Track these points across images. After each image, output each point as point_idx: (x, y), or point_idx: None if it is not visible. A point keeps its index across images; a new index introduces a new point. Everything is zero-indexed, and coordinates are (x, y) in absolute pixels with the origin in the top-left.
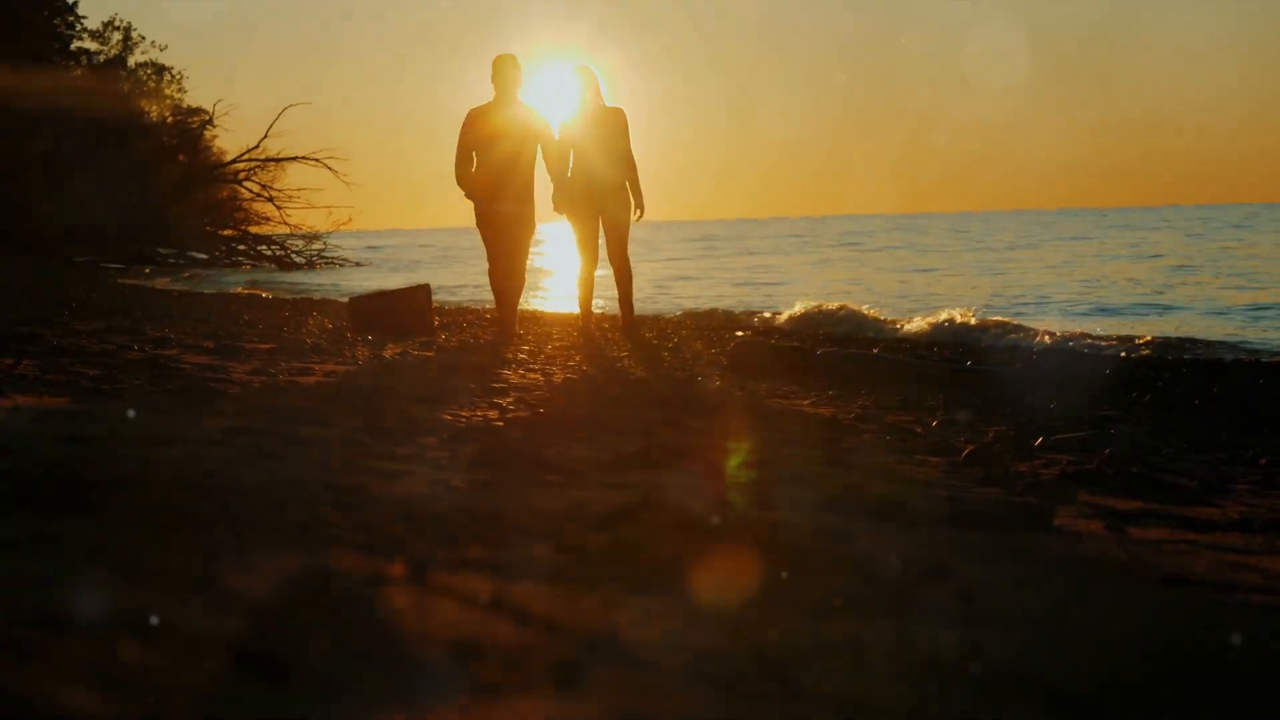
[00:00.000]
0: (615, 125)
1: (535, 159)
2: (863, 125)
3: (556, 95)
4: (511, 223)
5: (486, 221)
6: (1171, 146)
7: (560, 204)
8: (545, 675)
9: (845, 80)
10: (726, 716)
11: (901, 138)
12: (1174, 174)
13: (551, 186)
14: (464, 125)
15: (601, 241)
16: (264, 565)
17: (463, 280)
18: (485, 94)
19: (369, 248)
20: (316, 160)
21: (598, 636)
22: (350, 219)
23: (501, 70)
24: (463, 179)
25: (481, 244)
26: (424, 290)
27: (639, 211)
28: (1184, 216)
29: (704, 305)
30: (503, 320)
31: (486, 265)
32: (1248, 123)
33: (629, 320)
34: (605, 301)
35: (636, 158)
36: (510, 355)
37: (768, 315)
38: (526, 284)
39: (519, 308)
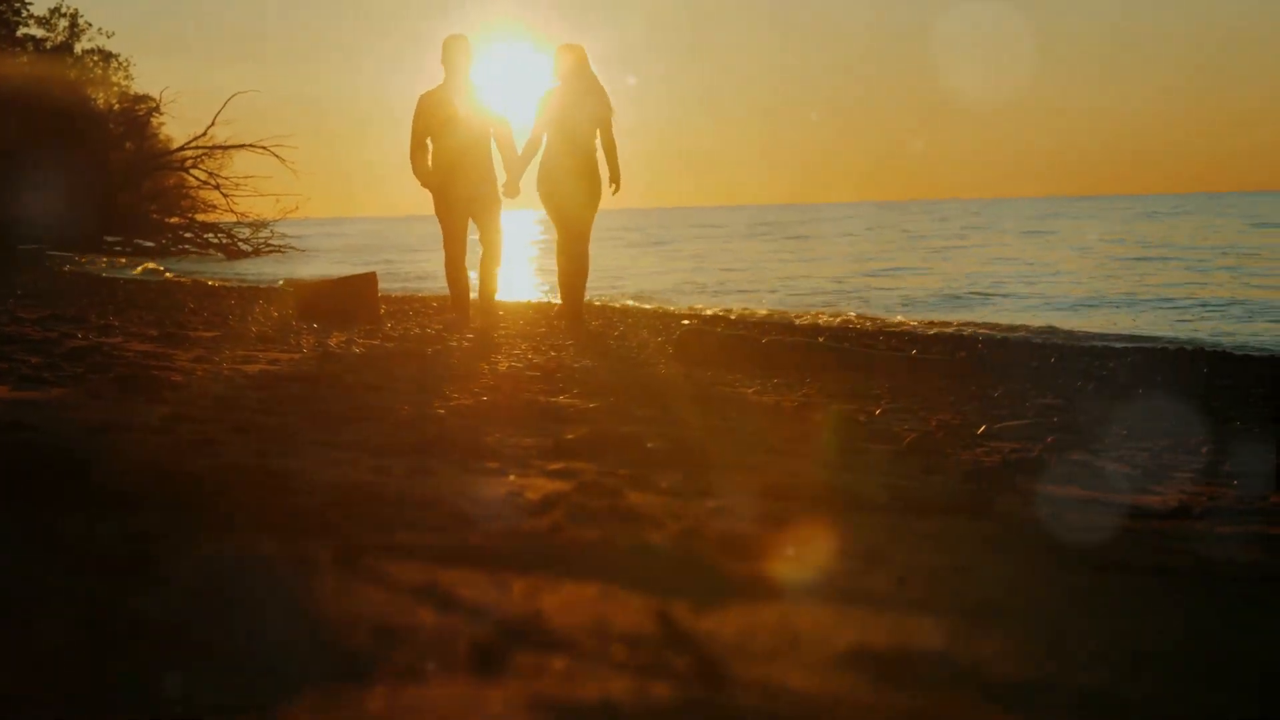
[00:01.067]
0: (599, 106)
1: (489, 140)
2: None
3: (532, 74)
4: (474, 204)
5: (445, 207)
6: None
7: (513, 188)
8: (465, 660)
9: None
10: (645, 702)
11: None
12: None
13: (507, 171)
14: (416, 111)
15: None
16: (197, 551)
17: (411, 268)
18: (434, 78)
19: (320, 235)
20: (264, 148)
21: (522, 621)
22: (298, 207)
23: (451, 51)
24: (418, 167)
25: (439, 231)
26: (370, 278)
27: (614, 186)
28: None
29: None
30: (456, 311)
31: (443, 253)
32: None
33: (573, 310)
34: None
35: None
36: (455, 344)
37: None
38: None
39: (498, 293)
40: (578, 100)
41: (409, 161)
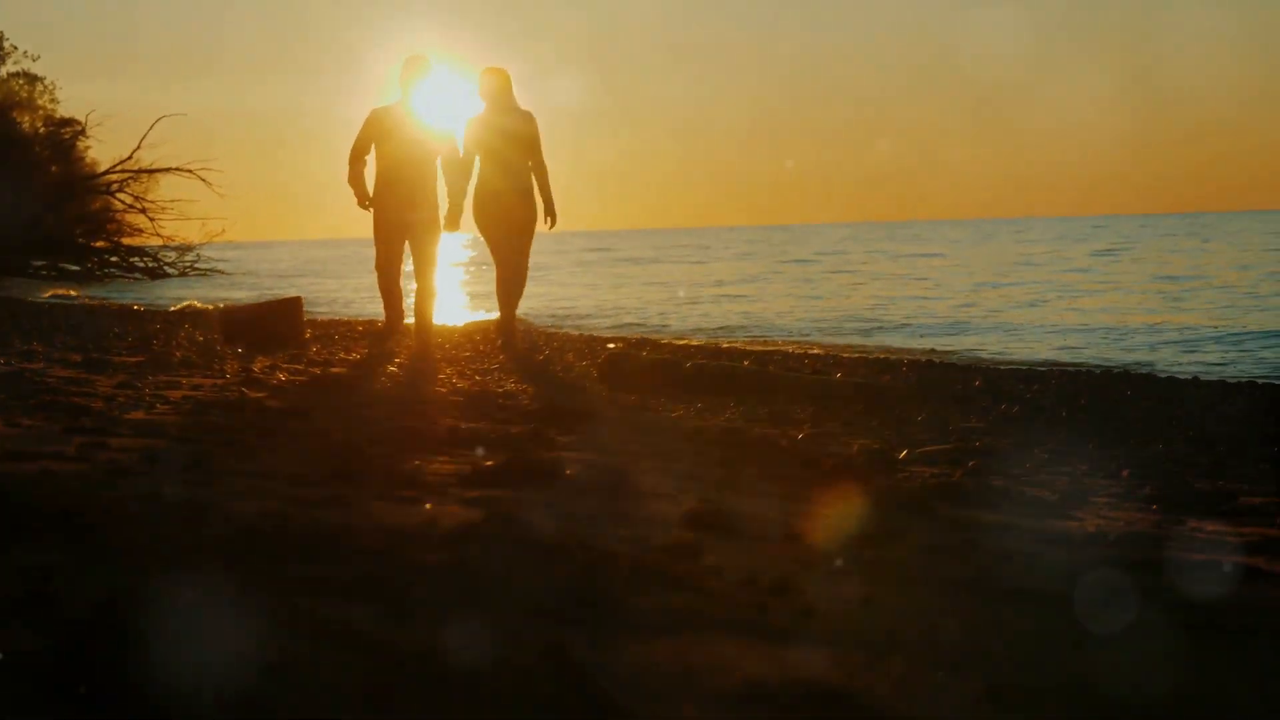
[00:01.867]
0: (526, 129)
1: (437, 164)
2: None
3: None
4: (413, 228)
5: (381, 221)
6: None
7: (455, 222)
8: (360, 700)
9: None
10: None
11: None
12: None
13: (448, 201)
14: (365, 124)
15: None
16: (93, 584)
17: (338, 292)
18: (362, 104)
19: (247, 259)
20: (189, 171)
21: (417, 658)
22: (224, 230)
23: (410, 71)
24: (354, 179)
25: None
26: (295, 302)
27: (550, 220)
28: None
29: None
30: (391, 327)
31: (375, 275)
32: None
33: (506, 331)
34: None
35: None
36: (380, 369)
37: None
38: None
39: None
40: (505, 124)
41: (347, 169)
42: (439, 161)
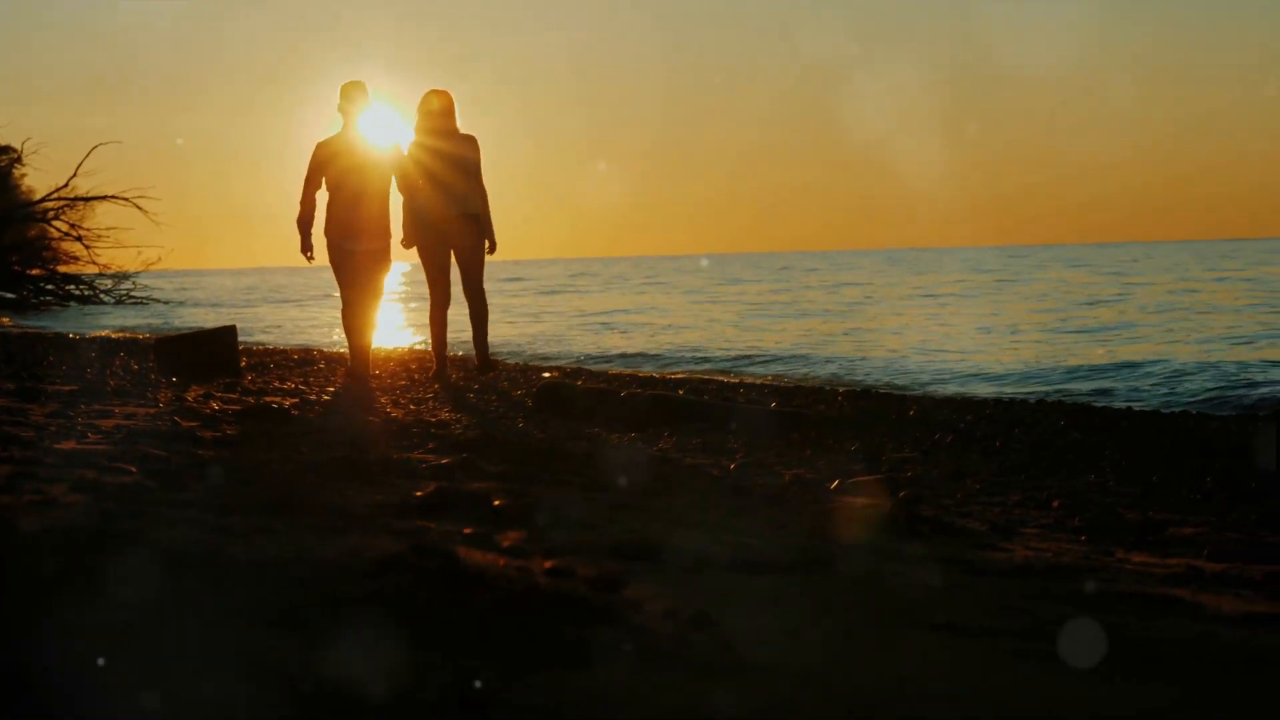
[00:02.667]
0: (468, 153)
1: (389, 192)
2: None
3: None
4: (368, 261)
5: (340, 261)
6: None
7: (409, 240)
8: None
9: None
10: None
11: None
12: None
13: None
14: (312, 160)
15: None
16: (3, 621)
17: (274, 320)
18: (299, 132)
19: (184, 287)
20: (126, 200)
21: (330, 695)
22: (160, 258)
23: (349, 98)
24: (303, 221)
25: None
26: (230, 331)
27: (490, 247)
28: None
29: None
30: (354, 363)
31: (340, 308)
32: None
33: (484, 361)
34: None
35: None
36: (315, 398)
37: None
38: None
39: (370, 350)
40: (448, 148)
41: (299, 206)
42: (394, 179)
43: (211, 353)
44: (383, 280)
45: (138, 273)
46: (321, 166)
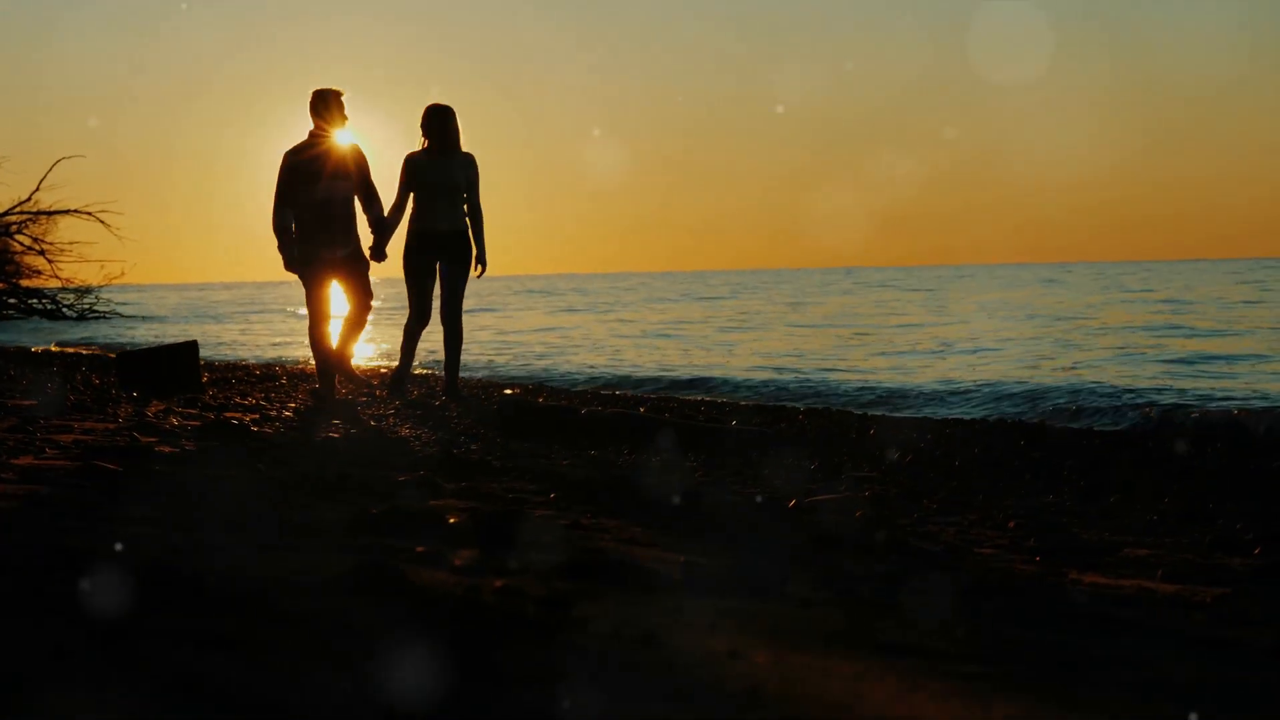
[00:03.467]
0: (467, 170)
1: (354, 199)
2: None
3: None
4: (342, 268)
5: (311, 270)
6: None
7: (382, 253)
8: None
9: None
10: None
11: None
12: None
13: (374, 232)
14: (282, 168)
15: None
16: None
17: (238, 335)
18: (263, 146)
19: (148, 301)
20: (89, 214)
21: (263, 711)
22: (123, 272)
23: (319, 105)
24: (280, 229)
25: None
26: (191, 347)
27: (479, 267)
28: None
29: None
30: (322, 384)
31: (307, 321)
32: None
33: (454, 384)
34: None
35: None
36: (275, 413)
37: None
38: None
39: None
40: (447, 163)
41: (270, 220)
42: (359, 194)
43: (173, 368)
44: (366, 280)
45: (101, 287)
46: (287, 174)
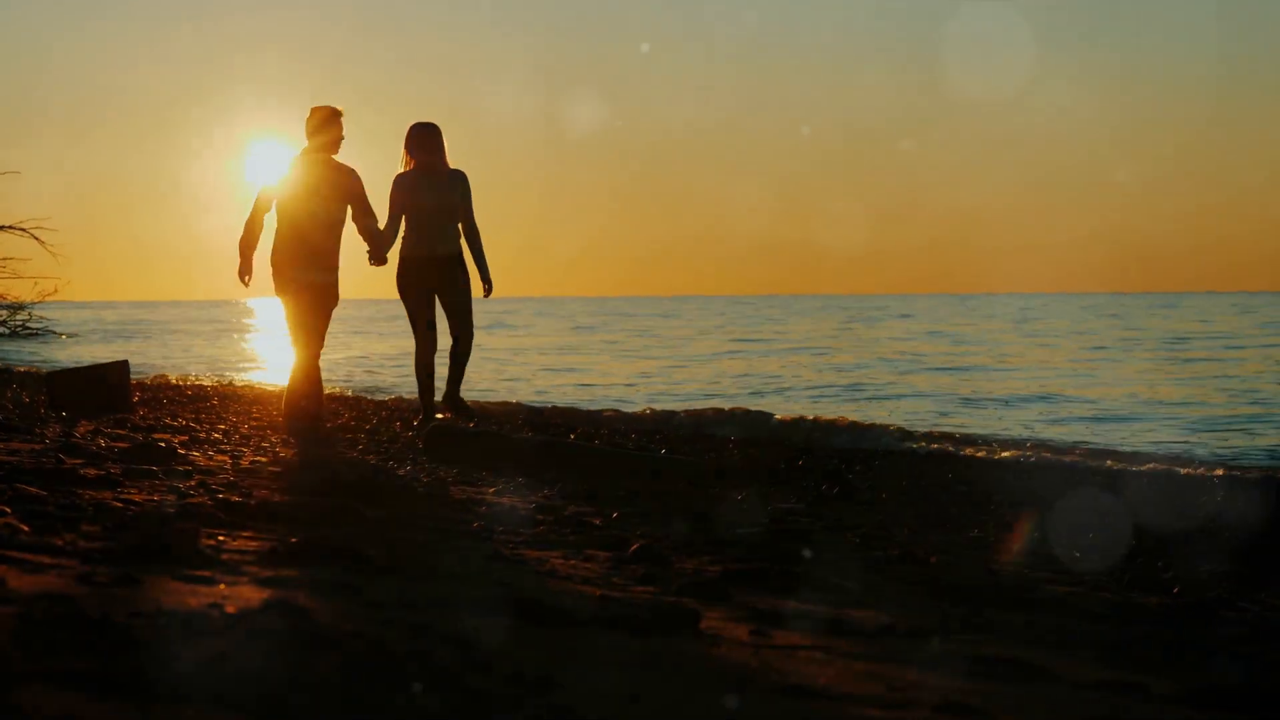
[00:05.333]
0: (456, 190)
1: (342, 222)
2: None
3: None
4: (316, 293)
5: (289, 290)
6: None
7: (381, 256)
8: None
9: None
10: None
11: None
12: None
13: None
14: (266, 183)
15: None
16: None
17: (172, 354)
18: (203, 166)
19: (82, 319)
20: (23, 230)
21: None
22: (57, 289)
23: (313, 122)
24: (245, 244)
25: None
26: (122, 366)
27: (486, 288)
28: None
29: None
30: (292, 400)
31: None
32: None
33: (454, 392)
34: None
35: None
36: (204, 435)
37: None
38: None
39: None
40: (437, 183)
41: (243, 230)
42: (349, 205)
43: (103, 387)
44: (328, 315)
45: (34, 303)
46: (270, 188)
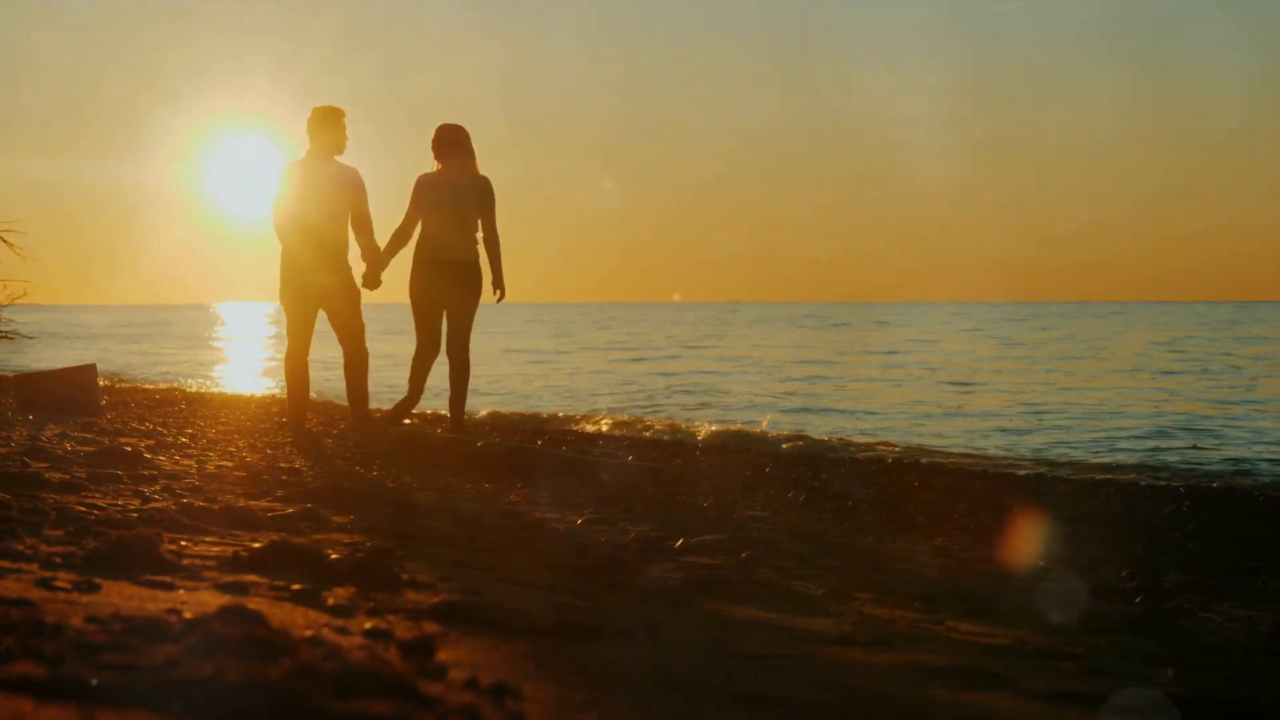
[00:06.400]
0: (476, 196)
1: (347, 222)
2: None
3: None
4: (329, 296)
5: (290, 292)
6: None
7: (374, 279)
8: None
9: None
10: None
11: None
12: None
13: (367, 259)
14: (279, 181)
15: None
16: None
17: (141, 358)
18: (162, 170)
19: (51, 322)
20: None
21: None
22: (25, 292)
23: (318, 123)
24: (283, 229)
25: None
26: (90, 370)
27: (499, 293)
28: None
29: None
30: (294, 409)
31: (285, 348)
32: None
33: (458, 420)
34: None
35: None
36: (171, 439)
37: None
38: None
39: (369, 393)
40: (458, 187)
41: (276, 231)
42: (349, 213)
43: (71, 391)
44: (357, 311)
45: (2, 306)
46: (284, 188)
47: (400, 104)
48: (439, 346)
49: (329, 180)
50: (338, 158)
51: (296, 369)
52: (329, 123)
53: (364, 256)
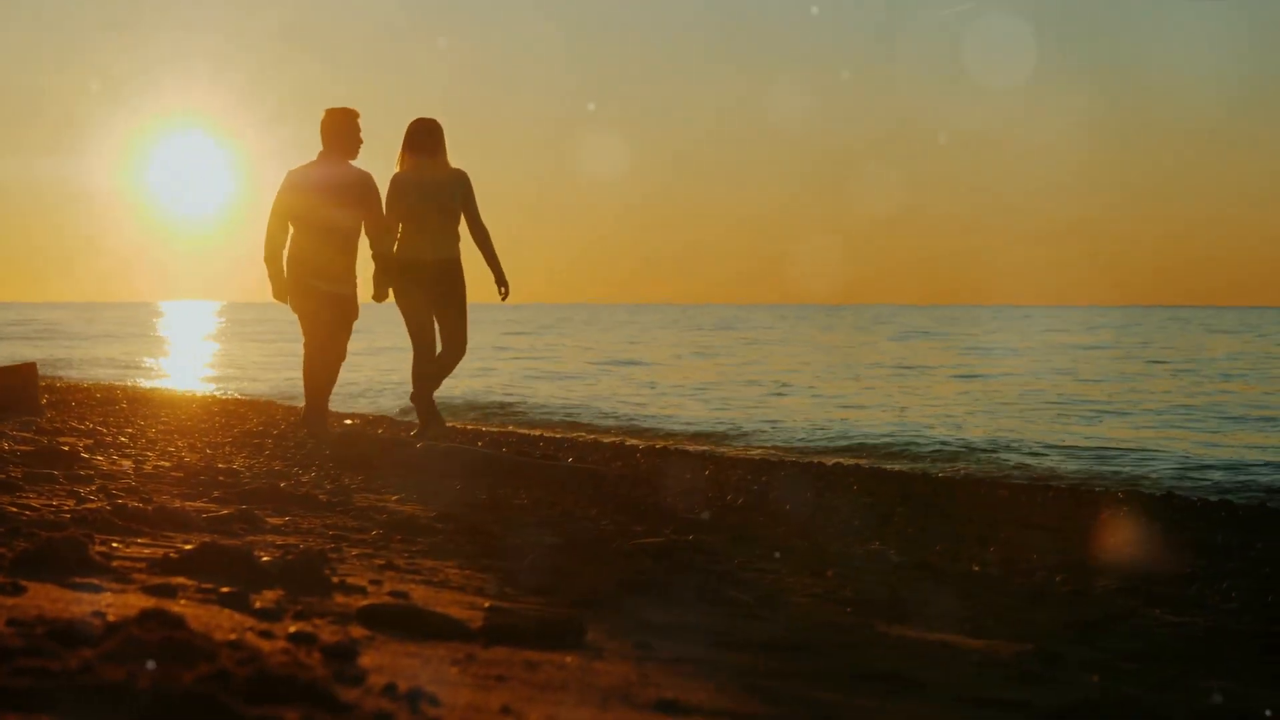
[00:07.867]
0: (454, 191)
1: (359, 231)
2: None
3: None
4: (334, 304)
5: (302, 299)
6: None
7: (382, 291)
8: None
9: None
10: None
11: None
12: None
13: (374, 267)
14: (281, 189)
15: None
16: None
17: (86, 356)
18: (107, 168)
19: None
20: None
21: None
22: None
23: (331, 125)
24: (271, 252)
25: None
26: (30, 368)
27: (503, 290)
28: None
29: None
30: (309, 411)
31: (303, 350)
32: None
33: (425, 394)
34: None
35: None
36: (110, 439)
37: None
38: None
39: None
40: (439, 183)
41: (264, 243)
42: (363, 228)
43: (10, 390)
44: (346, 331)
45: None
46: (287, 195)
47: (346, 102)
48: (435, 351)
49: (341, 184)
50: (352, 161)
51: (316, 369)
52: (341, 125)
53: (376, 260)
